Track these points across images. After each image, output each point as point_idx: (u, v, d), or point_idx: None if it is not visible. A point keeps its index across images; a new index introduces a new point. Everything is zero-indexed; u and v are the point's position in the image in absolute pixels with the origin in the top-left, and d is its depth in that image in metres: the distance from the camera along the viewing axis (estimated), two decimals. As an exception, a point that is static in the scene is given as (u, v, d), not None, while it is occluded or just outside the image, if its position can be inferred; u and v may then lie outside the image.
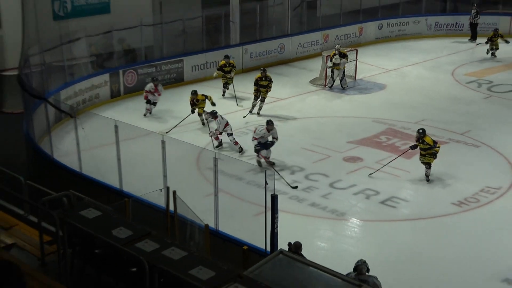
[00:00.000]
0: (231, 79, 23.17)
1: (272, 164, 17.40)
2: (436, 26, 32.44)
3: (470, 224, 14.87)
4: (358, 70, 25.88)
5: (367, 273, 10.61)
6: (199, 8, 27.58)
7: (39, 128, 18.40)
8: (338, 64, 24.22)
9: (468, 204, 15.68)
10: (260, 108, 21.78)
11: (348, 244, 14.25)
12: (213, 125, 18.90)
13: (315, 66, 26.61)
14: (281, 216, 12.10)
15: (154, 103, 21.60)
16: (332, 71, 24.52)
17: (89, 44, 23.10)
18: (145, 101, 21.58)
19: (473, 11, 31.35)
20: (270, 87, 21.61)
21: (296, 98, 23.21)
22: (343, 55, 24.40)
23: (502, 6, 34.47)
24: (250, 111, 21.87)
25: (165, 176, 14.02)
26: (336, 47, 24.93)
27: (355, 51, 26.19)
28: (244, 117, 21.47)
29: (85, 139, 16.56)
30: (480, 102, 23.49)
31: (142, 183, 15.11)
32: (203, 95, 20.26)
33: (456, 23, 32.29)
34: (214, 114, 18.53)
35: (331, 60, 24.39)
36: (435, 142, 16.22)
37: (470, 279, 12.72)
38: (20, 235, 8.90)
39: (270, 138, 17.49)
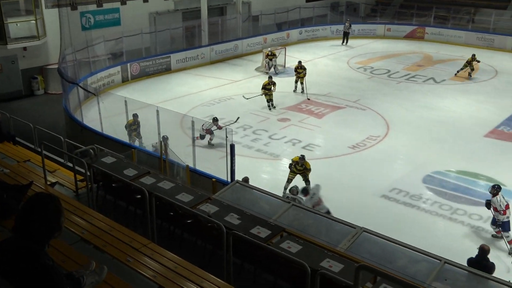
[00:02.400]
0: (272, 94, 19.29)
1: None
2: (336, 32, 32.09)
3: (360, 160, 15.09)
4: (286, 61, 25.60)
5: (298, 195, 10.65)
6: (180, 21, 26.95)
7: (73, 103, 17.86)
8: (272, 58, 24.40)
9: (358, 147, 15.85)
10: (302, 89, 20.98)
11: (282, 176, 14.18)
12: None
13: (258, 59, 26.23)
14: (237, 158, 12.01)
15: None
16: (268, 63, 24.43)
17: (106, 46, 22.34)
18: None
19: (346, 23, 30.48)
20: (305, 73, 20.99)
21: (246, 80, 22.89)
22: (273, 54, 24.54)
23: (379, 17, 34.44)
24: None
25: (159, 134, 13.71)
26: (269, 49, 25.17)
27: (284, 49, 26.14)
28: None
29: (105, 110, 16.10)
30: (366, 81, 23.55)
31: (144, 139, 14.77)
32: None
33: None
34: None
35: (267, 57, 24.47)
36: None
37: (361, 196, 13.00)
38: (61, 175, 8.59)
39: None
